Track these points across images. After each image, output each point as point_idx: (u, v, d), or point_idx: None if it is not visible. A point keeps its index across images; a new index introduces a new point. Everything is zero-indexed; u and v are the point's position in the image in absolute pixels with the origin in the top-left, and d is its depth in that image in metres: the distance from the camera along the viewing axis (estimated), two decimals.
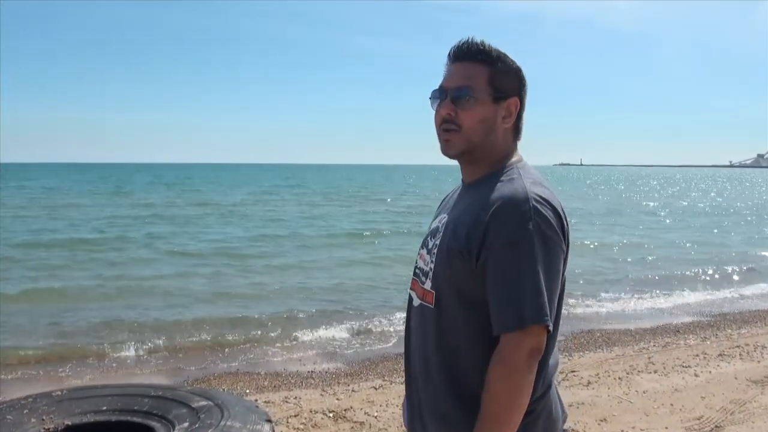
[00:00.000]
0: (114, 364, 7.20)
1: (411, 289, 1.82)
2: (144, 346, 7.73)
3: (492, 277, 1.54)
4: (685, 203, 41.66)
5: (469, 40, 1.69)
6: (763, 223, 27.46)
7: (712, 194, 56.38)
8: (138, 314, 9.43)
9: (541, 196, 1.57)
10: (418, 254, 1.79)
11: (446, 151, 1.72)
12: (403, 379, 5.90)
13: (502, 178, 1.64)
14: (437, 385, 1.69)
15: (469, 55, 1.68)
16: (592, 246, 17.24)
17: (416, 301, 1.77)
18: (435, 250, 1.69)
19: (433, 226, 1.78)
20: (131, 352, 7.56)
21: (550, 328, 1.52)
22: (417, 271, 1.79)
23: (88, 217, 25.43)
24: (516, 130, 1.73)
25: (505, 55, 1.69)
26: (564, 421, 1.76)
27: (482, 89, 1.66)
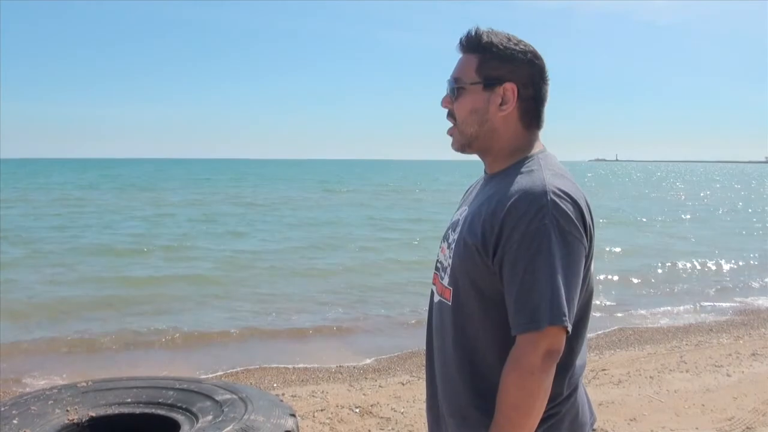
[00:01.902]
0: (144, 357, 7.29)
1: (433, 283, 1.77)
2: (174, 339, 7.81)
3: (508, 274, 1.48)
4: (721, 201, 40.99)
5: (469, 30, 1.65)
6: None
7: (743, 193, 55.29)
8: (171, 307, 9.55)
9: (560, 189, 1.50)
10: (440, 247, 1.74)
11: (451, 146, 1.71)
12: None
13: (521, 170, 1.58)
14: (456, 384, 1.65)
15: (463, 46, 1.66)
16: (624, 246, 17.03)
17: (436, 297, 1.74)
18: (453, 245, 1.64)
19: (454, 218, 1.73)
20: (161, 345, 7.64)
21: (569, 328, 1.45)
22: (438, 265, 1.74)
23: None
24: (528, 118, 1.64)
25: (502, 39, 1.62)
26: (592, 425, 1.70)
27: (470, 78, 1.63)
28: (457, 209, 1.78)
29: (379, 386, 6.02)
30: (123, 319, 8.70)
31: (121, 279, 11.59)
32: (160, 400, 3.06)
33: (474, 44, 1.64)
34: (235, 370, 6.81)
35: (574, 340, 1.56)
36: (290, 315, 9.20)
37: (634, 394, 5.67)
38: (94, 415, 2.87)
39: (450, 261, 1.65)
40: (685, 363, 6.71)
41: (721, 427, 4.88)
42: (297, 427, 3.06)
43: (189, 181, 59.36)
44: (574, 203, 1.50)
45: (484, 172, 1.75)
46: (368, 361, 7.23)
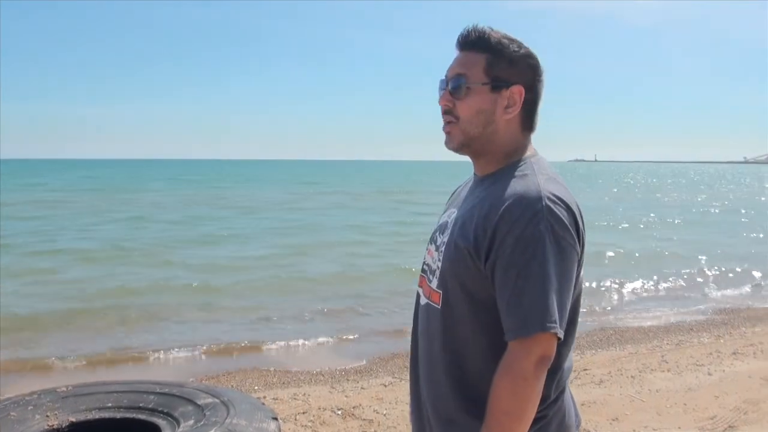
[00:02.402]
0: (124, 360, 7.20)
1: (419, 286, 1.75)
2: (153, 342, 7.74)
3: (501, 279, 1.46)
4: (700, 200, 41.39)
5: (472, 27, 1.61)
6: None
7: (725, 191, 55.87)
8: (149, 308, 9.45)
9: (555, 194, 1.48)
10: (426, 250, 1.72)
11: (447, 144, 1.67)
12: None
13: (515, 174, 1.55)
14: (443, 388, 1.63)
15: (469, 43, 1.62)
16: (605, 244, 17.13)
17: (423, 300, 1.71)
18: (443, 248, 1.62)
19: (442, 221, 1.71)
20: (141, 348, 7.55)
21: (560, 335, 1.44)
22: (425, 267, 1.72)
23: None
24: (526, 122, 1.63)
25: (510, 40, 1.59)
26: (578, 426, 1.70)
27: (478, 78, 1.59)
28: (444, 211, 1.76)
29: (362, 388, 5.99)
30: (105, 319, 8.61)
31: (100, 286, 11.46)
32: (140, 405, 3.01)
33: (482, 43, 1.60)
34: (215, 373, 6.75)
35: (563, 344, 1.54)
36: (270, 318, 9.15)
37: (615, 394, 5.69)
38: (74, 420, 2.83)
39: (439, 264, 1.62)
40: (667, 362, 6.75)
41: (704, 425, 4.90)
42: (279, 430, 3.03)
43: (168, 182, 58.88)
44: (568, 209, 1.49)
45: (474, 174, 1.72)
46: (350, 363, 7.19)
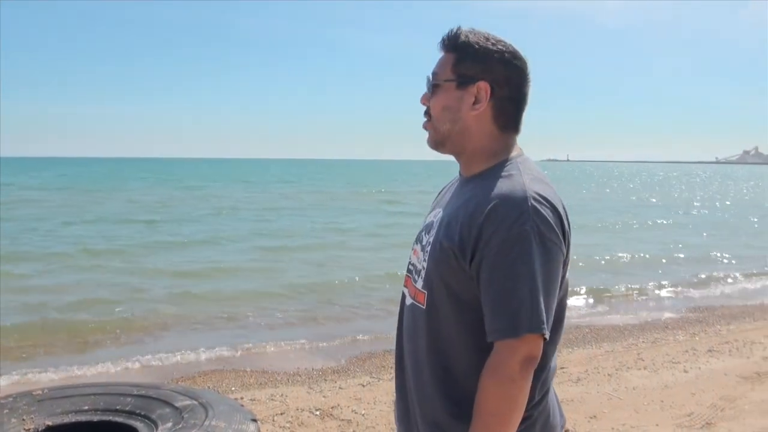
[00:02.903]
0: (98, 362, 7.07)
1: (404, 286, 1.73)
2: (128, 343, 7.64)
3: (486, 280, 1.46)
4: (674, 199, 41.91)
5: (450, 29, 1.63)
6: (746, 222, 27.62)
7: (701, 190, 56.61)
8: (123, 310, 9.33)
9: (540, 195, 1.48)
10: (412, 250, 1.72)
11: (426, 142, 1.69)
12: (391, 375, 5.85)
13: (500, 174, 1.55)
14: (429, 389, 1.62)
15: (443, 44, 1.64)
16: (580, 244, 17.24)
17: (408, 300, 1.70)
18: (428, 248, 1.61)
19: (428, 221, 1.70)
20: (116, 349, 7.45)
21: (547, 335, 1.44)
22: (410, 267, 1.71)
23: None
24: (500, 119, 1.61)
25: (479, 39, 1.59)
26: (562, 426, 1.70)
27: (446, 76, 1.61)
28: (430, 211, 1.75)
29: (339, 388, 5.95)
30: (77, 322, 8.47)
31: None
32: (117, 407, 2.96)
33: (451, 43, 1.62)
34: (191, 374, 6.67)
35: (548, 345, 1.54)
36: (246, 319, 9.08)
37: (593, 392, 5.71)
38: (50, 423, 2.77)
39: (424, 264, 1.61)
40: (643, 360, 6.79)
41: (681, 422, 4.94)
42: (259, 431, 2.99)
43: (146, 181, 58.18)
44: (554, 209, 1.49)
45: (459, 174, 1.72)
46: (327, 363, 7.14)
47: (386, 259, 14.14)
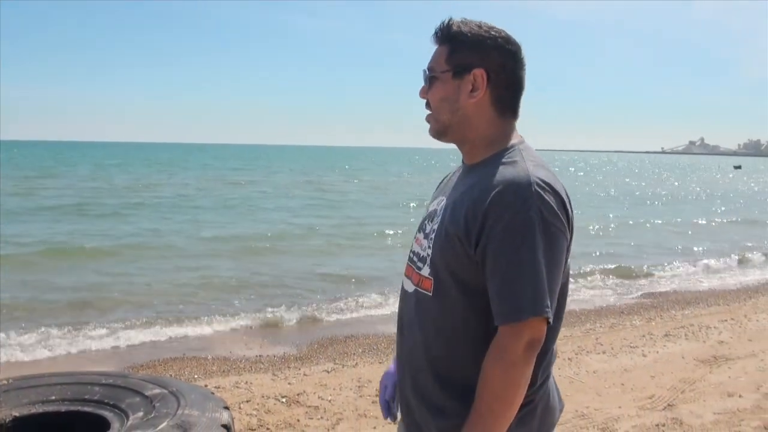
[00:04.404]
0: (54, 351, 6.90)
1: (405, 275, 1.73)
2: (84, 331, 7.45)
3: (491, 265, 1.47)
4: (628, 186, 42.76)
5: (442, 21, 1.64)
6: (697, 206, 28.34)
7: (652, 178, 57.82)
8: (77, 296, 9.13)
9: (544, 181, 1.49)
10: (415, 239, 1.71)
11: (429, 132, 1.70)
12: (355, 363, 5.84)
13: (503, 161, 1.56)
14: (433, 374, 1.63)
15: (436, 37, 1.66)
16: None
17: (410, 288, 1.69)
18: (432, 235, 1.61)
19: (431, 209, 1.71)
20: (71, 337, 7.26)
21: (550, 320, 1.46)
22: (412, 256, 1.70)
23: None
24: (498, 105, 1.62)
25: (471, 27, 1.60)
26: (561, 411, 1.73)
27: (442, 67, 1.62)
28: (433, 199, 1.76)
29: (304, 375, 5.90)
30: (32, 308, 8.25)
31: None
32: (86, 397, 2.86)
33: (444, 34, 1.63)
34: (151, 362, 6.55)
35: (551, 330, 1.56)
36: (207, 303, 8.99)
37: (554, 375, 5.76)
38: (17, 414, 2.66)
39: (429, 251, 1.61)
40: (601, 344, 6.90)
41: (643, 405, 5.03)
42: (232, 419, 2.94)
43: (90, 167, 56.84)
44: (557, 195, 1.50)
45: (462, 162, 1.73)
46: (289, 350, 7.10)
47: (341, 254, 14.10)
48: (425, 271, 1.62)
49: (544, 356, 1.59)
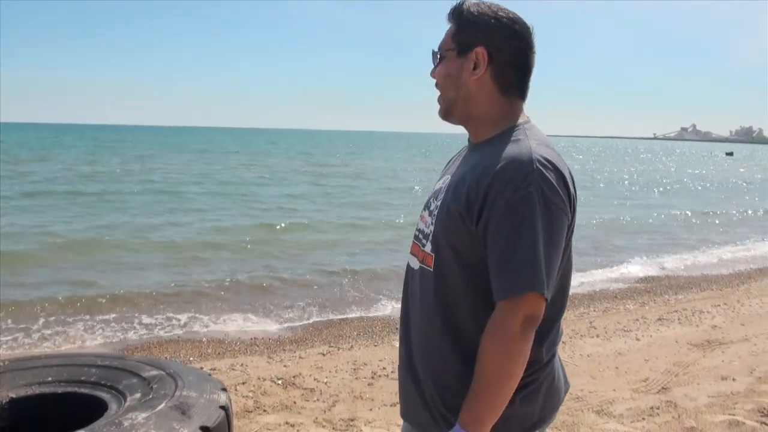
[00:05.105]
0: (47, 334, 6.87)
1: (411, 253, 1.75)
2: (78, 314, 7.42)
3: (490, 241, 1.48)
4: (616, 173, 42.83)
5: (457, 1, 1.66)
6: (687, 194, 28.43)
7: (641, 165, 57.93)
8: (72, 279, 9.11)
9: (546, 159, 1.50)
10: (420, 217, 1.73)
11: (438, 113, 1.73)
12: (350, 345, 5.85)
13: (507, 139, 1.57)
14: (437, 352, 1.64)
15: (448, 16, 1.68)
16: None
17: (416, 265, 1.71)
18: (436, 212, 1.62)
19: (436, 187, 1.73)
20: (65, 321, 7.23)
21: (547, 296, 1.46)
22: (417, 233, 1.72)
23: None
24: (501, 83, 1.62)
25: (480, 8, 1.62)
26: (566, 392, 1.74)
27: (447, 45, 1.66)
28: (439, 178, 1.77)
29: (299, 357, 5.91)
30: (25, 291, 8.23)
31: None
32: (82, 378, 2.84)
33: (454, 14, 1.66)
34: (146, 344, 6.54)
35: (555, 308, 1.58)
36: (197, 287, 8.96)
37: None
38: (14, 396, 2.64)
39: (432, 228, 1.63)
40: (595, 328, 6.93)
41: (638, 388, 5.05)
42: (229, 400, 2.93)
43: (82, 149, 56.44)
44: (559, 173, 1.51)
45: (468, 141, 1.75)
46: (284, 333, 7.11)
47: (335, 230, 14.10)
48: (428, 247, 1.64)
49: (548, 333, 1.60)
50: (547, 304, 1.48)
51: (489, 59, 1.60)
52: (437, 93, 1.72)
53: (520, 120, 1.64)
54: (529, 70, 1.65)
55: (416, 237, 1.73)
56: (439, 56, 1.68)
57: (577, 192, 1.60)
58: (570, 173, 1.56)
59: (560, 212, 1.48)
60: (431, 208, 1.66)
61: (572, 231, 1.58)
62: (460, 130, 1.76)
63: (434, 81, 1.71)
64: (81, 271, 9.70)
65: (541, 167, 1.47)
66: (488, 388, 1.47)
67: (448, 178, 1.69)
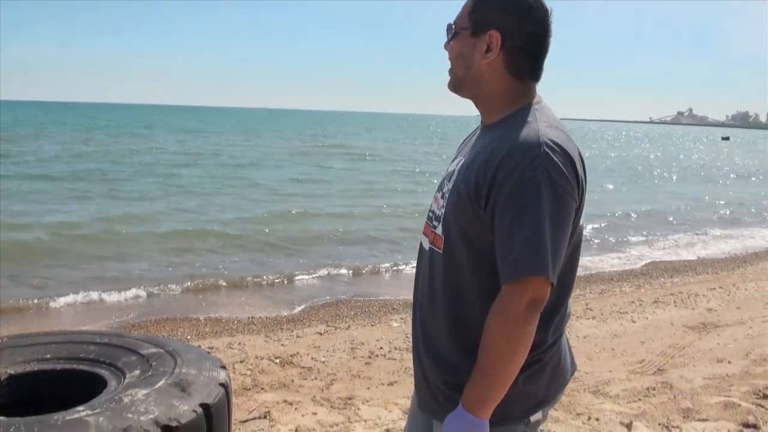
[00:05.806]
0: (44, 312, 6.88)
1: (423, 233, 1.75)
2: (76, 293, 7.41)
3: (497, 223, 1.48)
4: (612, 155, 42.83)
5: None
6: (683, 177, 28.45)
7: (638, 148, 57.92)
8: (70, 258, 9.11)
9: (554, 141, 1.49)
10: (434, 198, 1.72)
11: (447, 85, 1.71)
12: (347, 325, 5.88)
13: (516, 121, 1.56)
14: (444, 331, 1.65)
15: None
16: None
17: (427, 246, 1.71)
18: (447, 195, 1.62)
19: (450, 169, 1.71)
20: (62, 299, 7.23)
21: (552, 279, 1.45)
22: (430, 215, 1.72)
23: None
24: (512, 67, 1.60)
25: None
26: (572, 373, 1.75)
27: (462, 23, 1.63)
28: (453, 160, 1.76)
29: (297, 337, 5.92)
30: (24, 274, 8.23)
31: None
32: (81, 355, 2.83)
33: None
34: (143, 322, 6.54)
35: (561, 290, 1.59)
36: (196, 267, 8.97)
37: None
38: (12, 372, 2.64)
39: (443, 210, 1.62)
40: (591, 310, 6.96)
41: (634, 369, 5.08)
42: (229, 378, 2.94)
43: (75, 126, 56.12)
44: (567, 155, 1.50)
45: (480, 122, 1.74)
46: (282, 311, 7.12)
47: (329, 210, 14.09)
48: (439, 229, 1.64)
49: (554, 316, 1.61)
50: (552, 287, 1.48)
51: (502, 43, 1.57)
52: (449, 64, 1.70)
53: (531, 101, 1.62)
54: (544, 53, 1.62)
55: (429, 218, 1.72)
56: (454, 32, 1.65)
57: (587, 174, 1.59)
58: (580, 155, 1.55)
59: (567, 195, 1.48)
60: (444, 191, 1.66)
61: (581, 214, 1.58)
62: (462, 113, 1.73)
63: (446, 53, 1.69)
64: (78, 253, 9.65)
65: (548, 150, 1.46)
66: (491, 370, 1.48)
67: (461, 160, 1.67)
